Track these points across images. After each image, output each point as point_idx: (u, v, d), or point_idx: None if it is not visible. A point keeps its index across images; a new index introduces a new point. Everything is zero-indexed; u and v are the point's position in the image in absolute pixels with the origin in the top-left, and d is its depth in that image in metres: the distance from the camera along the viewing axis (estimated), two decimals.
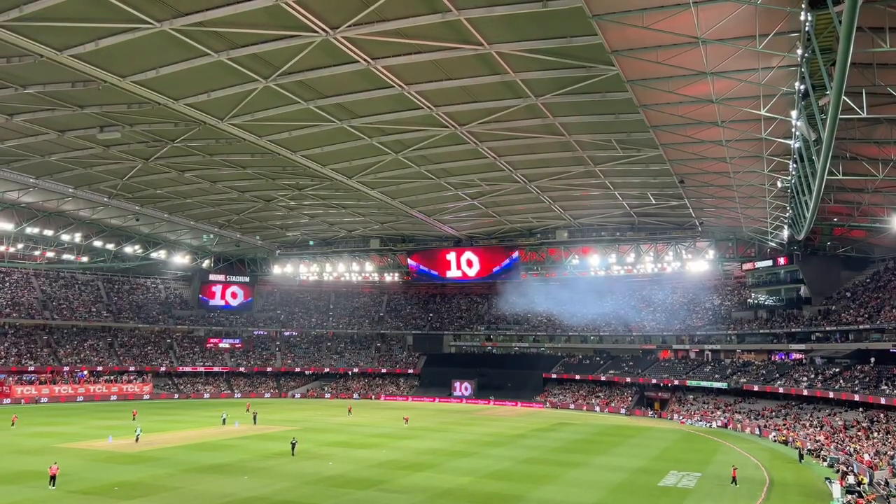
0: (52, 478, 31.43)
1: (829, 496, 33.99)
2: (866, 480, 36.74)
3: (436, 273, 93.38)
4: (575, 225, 77.75)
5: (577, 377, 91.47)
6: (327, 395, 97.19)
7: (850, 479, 36.27)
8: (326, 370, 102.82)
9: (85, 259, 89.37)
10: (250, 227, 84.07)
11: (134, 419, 60.41)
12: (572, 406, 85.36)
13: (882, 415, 53.03)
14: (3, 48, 33.55)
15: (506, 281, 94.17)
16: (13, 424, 55.85)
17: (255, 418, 62.27)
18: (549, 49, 32.55)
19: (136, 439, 47.63)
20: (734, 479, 37.31)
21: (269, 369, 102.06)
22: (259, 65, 35.83)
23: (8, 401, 74.90)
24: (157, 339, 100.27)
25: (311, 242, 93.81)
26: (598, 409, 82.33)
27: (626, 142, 45.65)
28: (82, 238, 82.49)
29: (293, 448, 43.70)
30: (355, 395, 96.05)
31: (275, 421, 63.66)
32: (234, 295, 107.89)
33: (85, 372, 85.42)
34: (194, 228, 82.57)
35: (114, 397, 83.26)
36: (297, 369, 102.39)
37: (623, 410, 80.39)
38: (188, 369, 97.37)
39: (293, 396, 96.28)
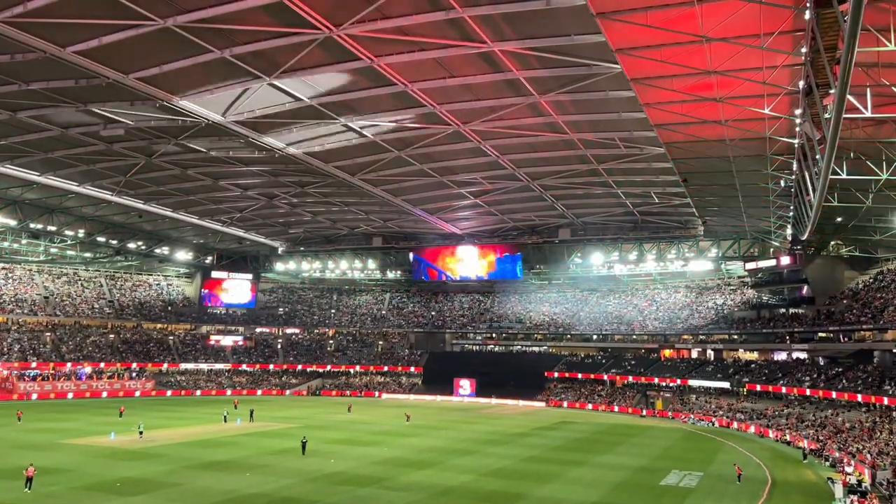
0: (29, 480, 30.83)
1: (831, 496, 33.93)
2: (867, 480, 36.65)
3: (438, 271, 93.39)
4: (577, 224, 77.60)
5: (580, 376, 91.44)
6: (319, 393, 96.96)
7: (853, 480, 36.19)
8: (329, 368, 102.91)
9: (88, 255, 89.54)
10: (253, 224, 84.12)
11: (121, 416, 60.09)
12: (571, 405, 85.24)
13: (885, 415, 52.87)
14: (6, 44, 33.57)
15: (508, 279, 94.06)
16: (19, 420, 56.06)
17: (251, 415, 62.14)
18: (551, 47, 32.51)
19: (140, 435, 47.74)
20: (739, 477, 37.47)
21: (271, 367, 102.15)
22: (261, 62, 35.83)
23: None
24: (159, 337, 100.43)
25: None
26: (590, 406, 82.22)
27: (629, 140, 45.57)
28: (85, 234, 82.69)
29: (304, 447, 43.42)
30: (347, 393, 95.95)
31: (276, 418, 63.70)
32: (236, 292, 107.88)
33: (87, 369, 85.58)
34: (197, 226, 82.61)
35: (105, 393, 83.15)
36: (299, 367, 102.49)
37: (615, 408, 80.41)
38: (190, 366, 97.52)
39: (291, 394, 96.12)
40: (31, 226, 76.78)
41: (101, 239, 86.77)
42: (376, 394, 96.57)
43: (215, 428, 56.06)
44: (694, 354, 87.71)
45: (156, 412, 66.17)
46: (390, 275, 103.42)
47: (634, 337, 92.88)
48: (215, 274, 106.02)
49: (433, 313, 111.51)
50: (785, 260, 73.85)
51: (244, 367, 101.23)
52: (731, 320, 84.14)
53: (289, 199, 69.53)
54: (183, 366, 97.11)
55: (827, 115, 24.23)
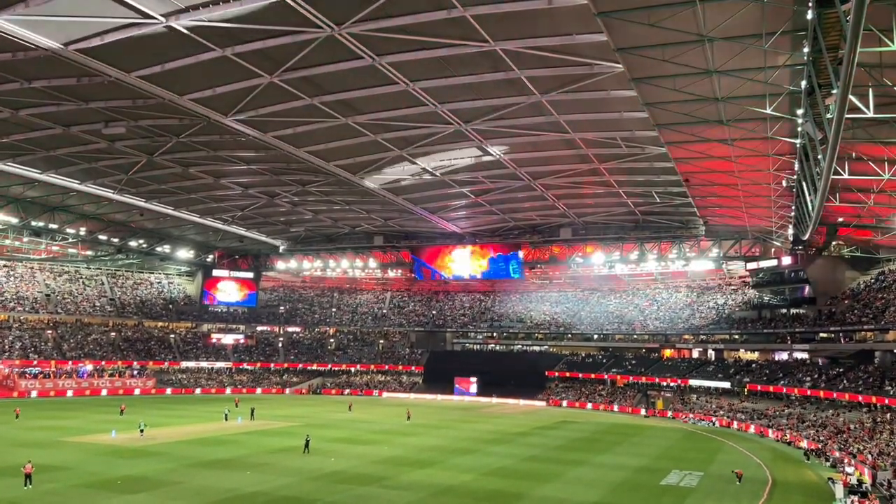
0: (27, 476, 30.89)
1: (831, 496, 33.90)
2: (868, 480, 36.63)
3: (438, 270, 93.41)
4: (579, 223, 77.59)
5: (580, 375, 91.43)
6: (320, 391, 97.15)
7: (853, 480, 36.16)
8: (329, 366, 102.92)
9: (90, 253, 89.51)
10: (254, 222, 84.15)
11: (121, 414, 60.11)
12: (571, 404, 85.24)
13: (886, 415, 52.82)
14: (9, 43, 33.55)
15: (509, 279, 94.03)
16: (17, 417, 56.08)
17: (252, 413, 62.11)
18: (553, 46, 32.48)
19: (141, 433, 47.76)
20: (739, 478, 37.42)
21: (271, 365, 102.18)
22: (264, 60, 35.82)
23: None
24: (160, 335, 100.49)
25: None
26: (591, 406, 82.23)
27: (630, 139, 45.53)
28: (87, 233, 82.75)
29: (307, 445, 43.44)
30: (348, 392, 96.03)
31: (277, 417, 63.72)
32: (237, 290, 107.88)
33: (88, 366, 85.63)
34: (198, 224, 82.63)
35: (105, 391, 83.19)
36: (300, 366, 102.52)
37: (616, 408, 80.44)
38: (191, 365, 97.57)
39: (292, 393, 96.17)
40: (33, 224, 76.89)
41: (103, 237, 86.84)
42: (377, 393, 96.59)
43: (216, 426, 56.09)
44: (695, 354, 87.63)
45: (156, 410, 66.22)
46: (391, 273, 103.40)
47: (635, 336, 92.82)
48: (216, 272, 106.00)
49: (434, 312, 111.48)
50: (786, 260, 73.77)
51: (245, 365, 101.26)
52: (732, 320, 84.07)
53: (290, 197, 69.54)
54: (184, 364, 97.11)
55: (829, 116, 24.21)
